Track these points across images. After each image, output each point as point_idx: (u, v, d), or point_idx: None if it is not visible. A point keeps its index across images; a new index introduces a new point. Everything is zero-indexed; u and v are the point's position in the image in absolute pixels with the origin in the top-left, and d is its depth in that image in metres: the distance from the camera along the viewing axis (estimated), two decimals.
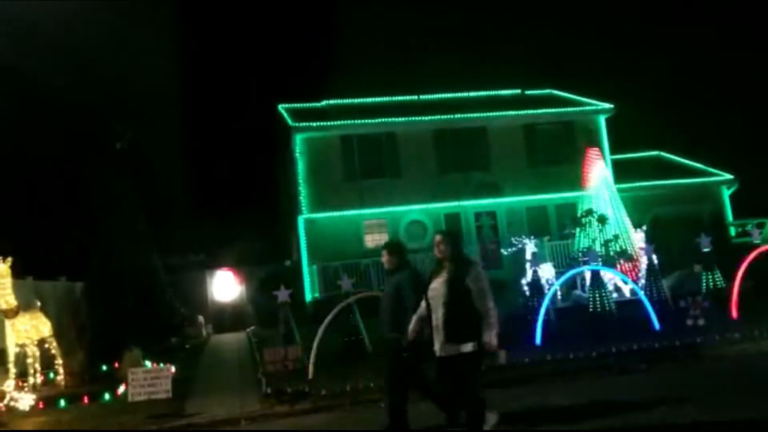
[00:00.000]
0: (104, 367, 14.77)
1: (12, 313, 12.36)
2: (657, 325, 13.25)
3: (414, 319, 6.74)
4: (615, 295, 16.98)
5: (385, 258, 7.48)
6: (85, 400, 11.56)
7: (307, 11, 51.23)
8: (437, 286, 6.32)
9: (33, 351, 13.01)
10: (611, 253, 18.62)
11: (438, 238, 6.56)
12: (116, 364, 14.35)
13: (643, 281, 17.01)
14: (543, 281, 16.55)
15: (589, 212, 19.37)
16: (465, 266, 6.29)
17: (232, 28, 49.70)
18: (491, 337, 6.03)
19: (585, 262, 16.68)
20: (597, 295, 15.77)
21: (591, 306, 15.07)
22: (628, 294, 17.32)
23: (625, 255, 18.54)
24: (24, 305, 13.06)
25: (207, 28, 48.98)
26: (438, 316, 6.24)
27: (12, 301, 12.39)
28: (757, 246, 15.19)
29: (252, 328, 20.54)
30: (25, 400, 11.36)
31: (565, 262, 20.28)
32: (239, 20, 49.47)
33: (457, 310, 6.12)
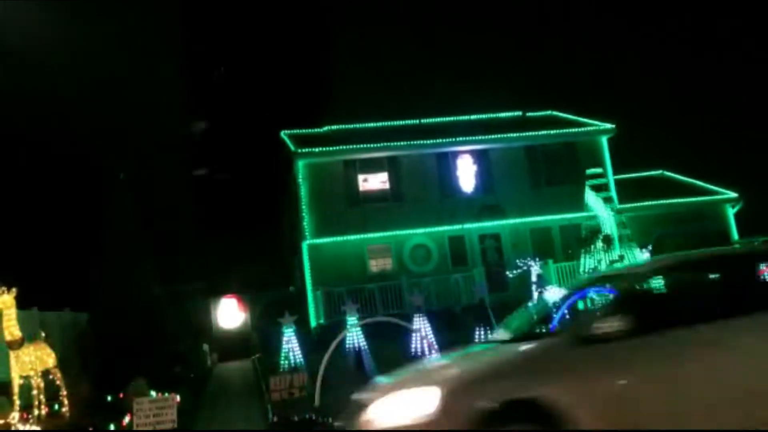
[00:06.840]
0: (109, 398, 14.64)
1: (16, 345, 12.27)
2: None
3: None
4: None
5: None
6: (91, 431, 11.45)
7: (310, 39, 51.79)
8: None
9: (38, 382, 12.87)
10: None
11: None
12: (121, 395, 14.23)
13: None
14: (550, 304, 16.40)
15: (595, 233, 19.29)
16: None
17: (234, 56, 50.15)
18: None
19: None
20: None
21: None
22: None
23: None
24: (29, 336, 12.99)
25: (209, 56, 49.42)
26: None
27: (16, 332, 12.30)
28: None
29: (257, 355, 20.38)
30: None
31: (570, 283, 20.15)
32: (241, 48, 49.94)
33: None
